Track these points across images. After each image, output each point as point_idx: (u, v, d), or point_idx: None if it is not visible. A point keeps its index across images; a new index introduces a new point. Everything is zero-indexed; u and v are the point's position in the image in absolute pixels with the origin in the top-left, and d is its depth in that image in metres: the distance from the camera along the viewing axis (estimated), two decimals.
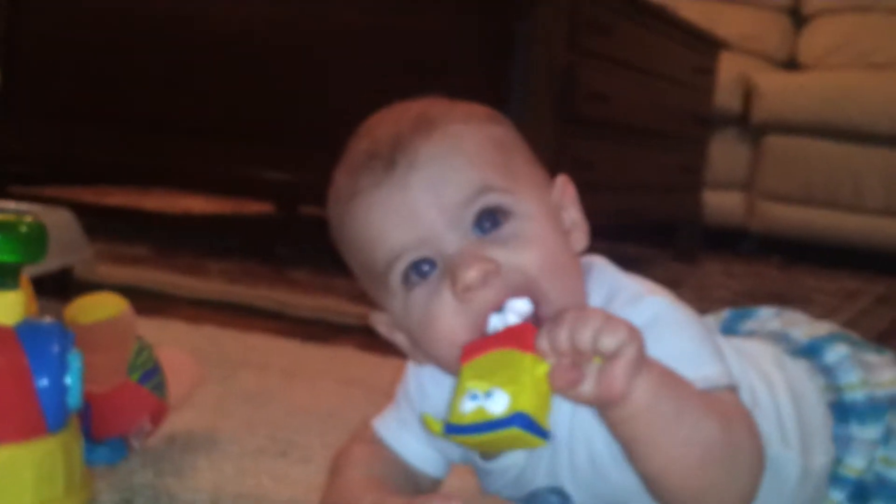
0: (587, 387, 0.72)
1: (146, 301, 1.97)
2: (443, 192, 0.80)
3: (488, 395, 0.73)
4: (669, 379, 0.75)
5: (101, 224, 2.89)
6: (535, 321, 0.78)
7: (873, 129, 3.84)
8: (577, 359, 0.72)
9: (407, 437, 0.93)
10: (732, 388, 0.82)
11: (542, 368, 0.73)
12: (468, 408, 0.74)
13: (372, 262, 0.83)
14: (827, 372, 0.99)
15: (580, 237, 0.88)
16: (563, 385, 0.72)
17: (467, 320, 0.79)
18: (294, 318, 1.97)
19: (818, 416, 0.95)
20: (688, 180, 3.54)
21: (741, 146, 4.15)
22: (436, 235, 0.80)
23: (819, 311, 2.64)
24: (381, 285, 0.84)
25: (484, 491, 0.96)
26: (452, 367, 0.81)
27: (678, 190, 3.50)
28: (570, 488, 0.86)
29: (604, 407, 0.74)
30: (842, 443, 0.96)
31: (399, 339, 0.88)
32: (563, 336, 0.71)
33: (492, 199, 0.80)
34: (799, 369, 0.98)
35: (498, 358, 0.74)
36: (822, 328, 1.04)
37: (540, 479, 0.87)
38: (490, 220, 0.81)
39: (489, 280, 0.78)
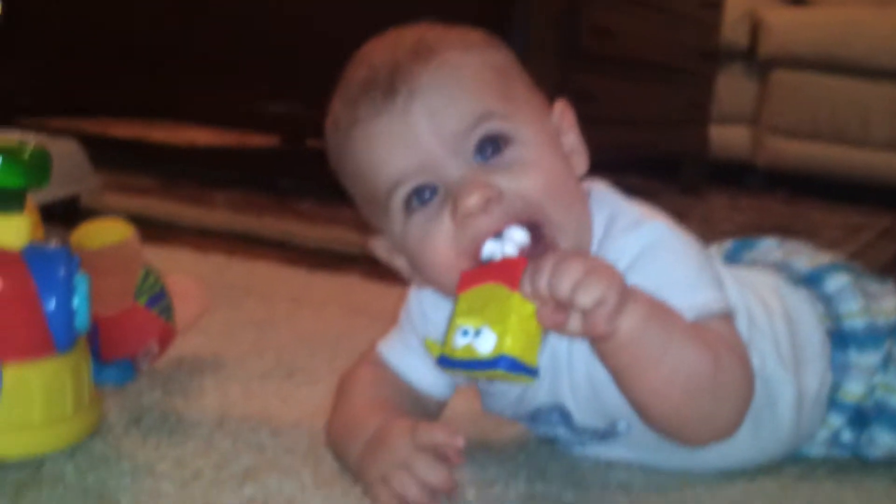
0: (573, 326, 0.73)
1: (153, 230, 1.98)
2: (444, 120, 0.80)
3: (478, 332, 0.75)
4: (657, 312, 0.76)
5: (106, 155, 2.89)
6: (535, 250, 0.79)
7: (880, 64, 3.81)
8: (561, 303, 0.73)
9: (411, 359, 0.94)
10: (728, 315, 0.83)
11: (531, 307, 0.74)
12: (460, 343, 0.75)
13: (373, 189, 0.84)
14: (827, 300, 0.99)
15: (580, 161, 0.88)
16: (549, 326, 0.74)
17: (465, 246, 0.80)
18: (300, 247, 1.98)
19: (815, 342, 0.96)
20: (694, 115, 3.52)
21: (748, 81, 4.12)
22: (437, 163, 0.80)
23: (823, 244, 2.63)
24: (382, 211, 0.84)
25: (487, 410, 0.97)
26: (449, 292, 0.82)
27: (684, 124, 3.48)
28: (570, 406, 0.88)
29: (592, 341, 0.76)
30: (840, 369, 0.97)
31: (399, 262, 0.89)
32: (542, 283, 0.72)
33: (492, 126, 0.81)
34: (798, 297, 0.99)
35: (490, 292, 0.75)
36: (824, 258, 1.05)
37: (542, 398, 0.88)
38: (491, 146, 0.81)
39: (490, 206, 0.79)
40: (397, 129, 0.81)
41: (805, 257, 1.05)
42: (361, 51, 0.87)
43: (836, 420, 0.98)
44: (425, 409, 0.94)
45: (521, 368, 0.74)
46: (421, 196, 0.82)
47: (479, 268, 0.79)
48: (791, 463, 0.98)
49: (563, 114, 0.89)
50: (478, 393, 0.97)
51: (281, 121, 2.76)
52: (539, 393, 0.88)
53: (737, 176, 4.14)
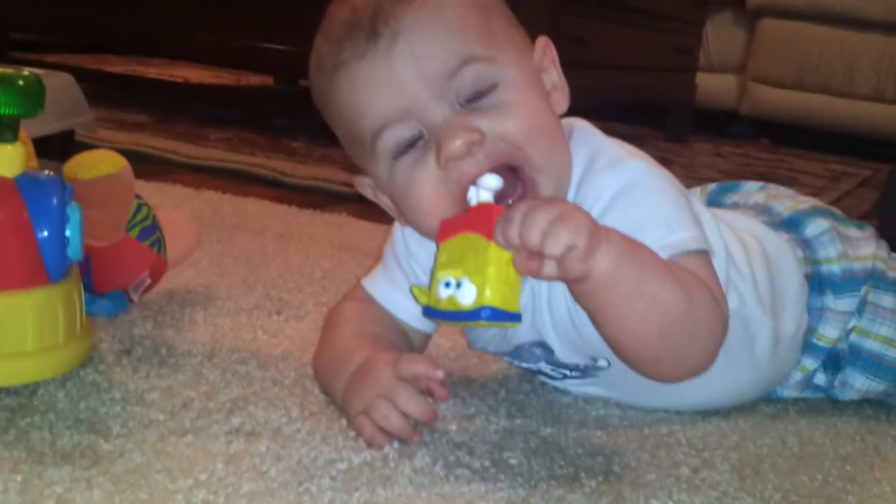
0: (548, 272, 0.75)
1: (146, 165, 2.00)
2: (427, 63, 0.81)
3: (459, 284, 0.76)
4: (631, 252, 0.77)
5: (102, 91, 2.90)
6: (513, 192, 0.81)
7: (867, 15, 3.81)
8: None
9: (396, 294, 0.96)
10: (704, 253, 0.84)
11: (507, 254, 0.75)
12: (443, 294, 0.77)
13: (358, 131, 0.85)
14: (806, 244, 1.01)
15: (561, 99, 0.89)
16: (525, 273, 0.75)
17: (448, 190, 0.82)
18: (290, 185, 1.99)
19: (793, 285, 0.98)
20: (682, 62, 3.51)
21: (737, 29, 4.12)
22: (421, 107, 0.81)
23: (804, 191, 2.65)
24: (367, 152, 0.86)
25: (472, 346, 0.99)
26: (433, 236, 0.83)
27: (672, 71, 3.48)
28: (552, 341, 0.90)
29: (568, 283, 0.78)
30: (816, 313, 0.99)
31: (384, 201, 0.91)
32: (513, 234, 0.74)
33: (475, 70, 0.81)
34: (778, 241, 1.01)
35: (468, 242, 0.77)
36: (805, 203, 1.06)
37: (524, 334, 0.90)
38: (474, 88, 0.82)
39: (473, 150, 0.80)
40: (381, 72, 0.81)
41: (786, 201, 1.06)
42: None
43: (811, 363, 1.00)
44: (410, 343, 0.96)
45: (503, 316, 0.76)
46: (406, 139, 0.83)
47: (456, 216, 0.80)
48: (765, 403, 1.01)
49: (544, 51, 0.89)
50: (461, 329, 0.99)
51: (275, 60, 2.75)
52: (521, 329, 0.90)
53: (722, 124, 4.16)
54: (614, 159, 0.86)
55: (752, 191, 1.10)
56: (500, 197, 0.80)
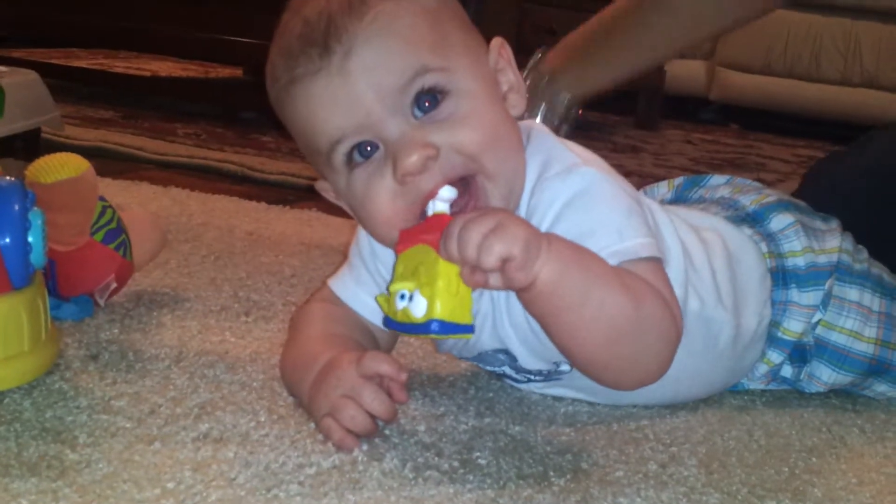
0: (493, 283, 0.75)
1: (113, 163, 1.99)
2: (381, 77, 0.80)
3: (411, 297, 0.77)
4: (575, 259, 0.78)
5: (68, 86, 2.87)
6: (463, 203, 0.81)
7: None
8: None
9: (362, 294, 0.96)
10: (656, 260, 0.84)
11: (456, 268, 0.76)
12: (399, 306, 0.78)
13: (315, 144, 0.85)
14: (770, 238, 1.02)
15: (517, 100, 0.89)
16: (473, 286, 0.76)
17: (406, 204, 0.82)
18: (259, 181, 1.98)
19: (754, 280, 0.99)
20: None
21: None
22: (376, 121, 0.81)
23: (772, 176, 2.69)
24: (325, 163, 0.85)
25: (437, 350, 0.99)
26: (389, 245, 0.84)
27: None
28: (514, 348, 0.90)
29: (515, 291, 0.79)
30: (780, 307, 1.00)
31: (345, 205, 0.90)
32: (453, 248, 0.74)
33: (428, 80, 0.81)
34: (741, 236, 1.01)
35: (421, 254, 0.78)
36: (771, 196, 1.06)
37: (486, 342, 0.91)
38: (429, 99, 0.81)
39: (428, 165, 0.80)
40: (336, 88, 0.81)
41: (752, 194, 1.06)
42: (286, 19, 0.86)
43: (776, 356, 1.01)
44: (377, 343, 0.96)
45: (453, 328, 0.77)
46: (362, 152, 0.83)
47: (414, 227, 0.81)
48: (732, 395, 1.02)
49: (500, 51, 0.89)
50: None
51: (244, 52, 2.74)
52: (483, 337, 0.90)
53: (692, 110, 4.18)
54: (567, 166, 0.85)
55: (719, 184, 1.11)
56: (455, 205, 0.81)
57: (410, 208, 0.82)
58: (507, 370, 0.94)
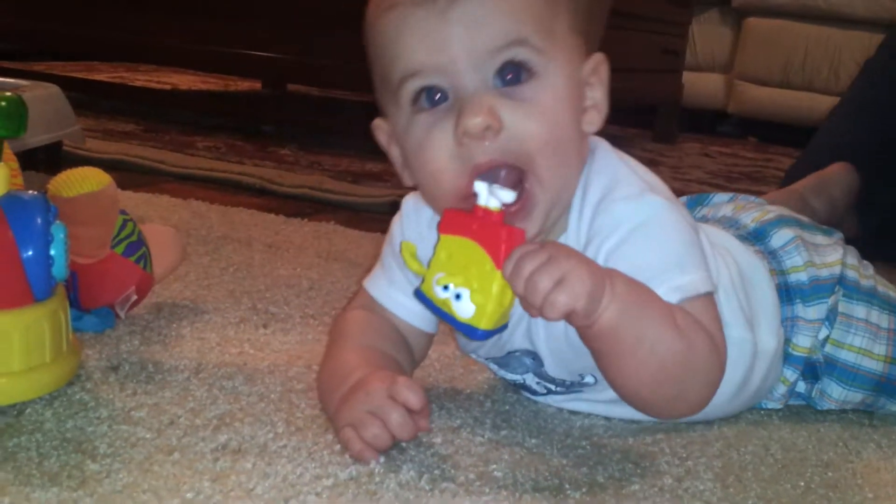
0: (552, 316, 0.77)
1: (134, 176, 2.01)
2: (477, 32, 0.80)
3: (458, 295, 0.79)
4: (635, 302, 0.79)
5: (89, 100, 2.90)
6: (512, 205, 0.81)
7: (851, 12, 3.83)
8: None
9: (396, 294, 0.96)
10: (710, 294, 0.85)
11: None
12: (439, 293, 0.79)
13: (389, 73, 0.84)
14: (773, 256, 1.02)
15: (595, 119, 0.87)
16: (533, 315, 0.78)
17: (458, 166, 0.82)
18: (278, 193, 1.99)
19: (768, 298, 0.99)
20: (668, 63, 3.53)
21: (723, 28, 4.14)
22: (457, 70, 0.80)
23: None
24: (392, 97, 0.85)
25: (462, 349, 0.99)
26: (431, 201, 0.86)
27: (659, 72, 3.49)
28: (543, 353, 0.90)
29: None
30: (788, 323, 1.00)
31: (394, 153, 0.90)
32: (519, 287, 0.76)
33: (521, 54, 0.81)
34: (749, 254, 1.01)
35: (473, 254, 0.79)
36: (772, 213, 1.07)
37: (517, 342, 0.91)
38: (513, 72, 0.81)
39: (488, 135, 0.80)
40: (431, 27, 0.80)
41: (753, 212, 1.07)
42: None
43: (791, 374, 1.01)
44: (411, 352, 0.96)
45: (491, 334, 0.80)
46: (430, 99, 0.82)
47: (461, 213, 0.81)
48: (748, 410, 1.02)
49: (597, 66, 0.87)
50: (451, 333, 0.99)
51: (263, 65, 2.76)
52: (515, 335, 0.91)
53: (710, 123, 4.17)
54: (635, 191, 0.85)
55: (721, 203, 1.11)
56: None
57: (461, 174, 0.82)
58: (529, 379, 0.94)
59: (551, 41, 0.82)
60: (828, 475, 0.88)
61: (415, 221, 0.94)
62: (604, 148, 0.89)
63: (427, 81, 0.82)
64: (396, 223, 0.97)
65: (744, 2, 4.03)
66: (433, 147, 0.82)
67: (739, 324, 0.94)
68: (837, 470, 0.90)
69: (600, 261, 0.83)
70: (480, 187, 0.80)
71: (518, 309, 0.86)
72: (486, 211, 0.80)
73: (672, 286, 0.82)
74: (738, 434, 0.96)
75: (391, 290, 0.96)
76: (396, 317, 0.96)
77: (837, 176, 1.56)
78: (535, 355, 0.91)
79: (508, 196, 0.80)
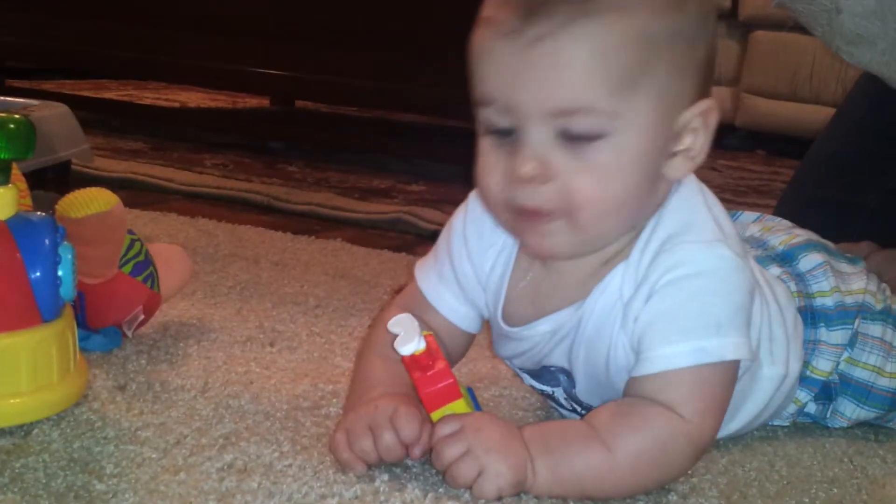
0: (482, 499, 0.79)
1: (142, 194, 2.02)
2: (549, 84, 0.77)
3: None
4: (560, 464, 0.79)
5: (98, 118, 2.91)
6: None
7: None
8: None
9: (444, 291, 0.96)
10: (734, 363, 0.83)
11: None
12: None
13: (476, 85, 0.82)
14: (799, 279, 1.02)
15: (683, 166, 0.83)
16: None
17: (504, 197, 0.82)
18: (286, 211, 2.00)
19: (797, 323, 0.99)
20: None
21: (730, 41, 4.14)
22: (522, 115, 0.79)
23: None
24: (475, 105, 0.84)
25: (496, 353, 0.99)
26: (490, 214, 0.88)
27: None
28: (578, 376, 0.90)
29: None
30: (809, 346, 1.00)
31: None
32: (441, 468, 0.80)
33: (585, 123, 0.77)
34: (773, 277, 1.01)
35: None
36: (800, 236, 1.07)
37: (555, 359, 0.91)
38: (578, 134, 0.78)
39: (535, 186, 0.79)
40: (509, 63, 0.78)
41: (781, 234, 1.06)
42: None
43: (804, 395, 1.01)
44: (449, 345, 0.96)
45: None
46: (498, 128, 0.81)
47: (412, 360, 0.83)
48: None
49: (704, 113, 0.82)
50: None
51: (271, 82, 2.78)
52: (553, 354, 0.90)
53: (718, 136, 4.16)
54: (708, 239, 0.83)
55: (748, 222, 1.11)
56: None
57: (504, 206, 0.82)
58: (559, 393, 0.94)
59: (631, 97, 0.77)
60: (833, 491, 0.88)
61: (479, 219, 0.93)
62: (689, 182, 0.87)
63: (495, 117, 0.80)
64: (460, 216, 0.95)
65: (750, 15, 4.03)
66: (488, 171, 0.82)
67: (780, 359, 0.94)
68: (842, 486, 0.90)
69: (643, 301, 0.82)
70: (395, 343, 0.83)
71: (564, 328, 0.87)
72: (413, 357, 0.82)
73: (697, 346, 0.80)
74: (744, 450, 0.96)
75: (440, 287, 0.96)
76: (440, 314, 0.96)
77: None
78: (569, 374, 0.91)
79: (411, 349, 0.82)
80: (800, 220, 1.12)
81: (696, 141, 0.82)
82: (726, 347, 0.81)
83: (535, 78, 0.77)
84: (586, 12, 0.76)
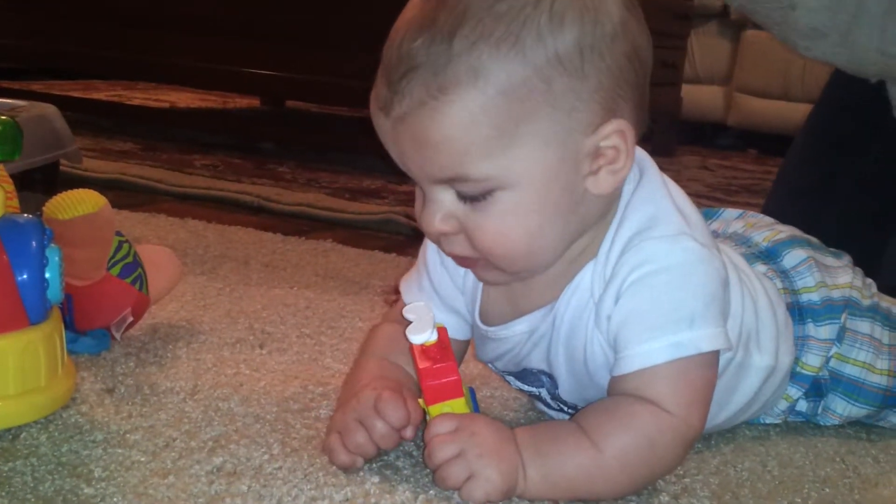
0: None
1: (131, 195, 2.01)
2: (421, 162, 0.78)
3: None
4: (552, 466, 0.79)
5: (87, 119, 2.90)
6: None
7: None
8: None
9: (423, 301, 0.95)
10: (713, 354, 0.83)
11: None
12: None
13: None
14: (784, 275, 1.02)
15: (607, 181, 0.80)
16: None
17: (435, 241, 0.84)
18: (276, 212, 2.00)
19: (785, 318, 0.99)
20: (667, 76, 3.53)
21: (722, 40, 4.15)
22: (419, 179, 0.80)
23: None
24: None
25: (478, 358, 0.99)
26: None
27: (657, 85, 3.49)
28: (560, 376, 0.90)
29: None
30: (798, 342, 1.00)
31: None
32: (432, 468, 0.79)
33: (468, 188, 0.77)
34: (759, 273, 1.01)
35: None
36: (784, 232, 1.06)
37: (534, 362, 0.91)
38: (468, 196, 0.78)
39: (442, 240, 0.82)
40: (388, 135, 0.79)
41: (764, 231, 1.06)
42: (408, 7, 0.78)
43: (795, 392, 1.01)
44: None
45: None
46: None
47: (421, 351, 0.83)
48: (745, 426, 1.02)
49: (618, 133, 0.79)
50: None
51: (261, 82, 2.77)
52: (532, 356, 0.90)
53: (710, 135, 4.18)
54: (673, 233, 0.82)
55: (731, 219, 1.11)
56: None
57: (438, 245, 0.84)
58: (544, 394, 0.94)
59: (510, 151, 0.76)
60: (825, 491, 0.88)
61: None
62: (651, 175, 0.86)
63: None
64: None
65: (742, 14, 4.04)
66: (419, 215, 0.83)
67: (769, 350, 0.94)
68: (835, 486, 0.89)
69: (613, 301, 0.82)
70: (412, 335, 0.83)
71: (539, 328, 0.87)
72: (422, 347, 0.83)
73: (672, 341, 0.80)
74: (736, 450, 0.95)
75: (420, 297, 0.95)
76: None
77: None
78: (550, 375, 0.91)
79: (422, 338, 0.82)
80: (783, 211, 1.13)
81: (618, 155, 0.79)
82: (702, 339, 0.80)
83: (409, 153, 0.78)
84: (441, 88, 0.74)
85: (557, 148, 0.77)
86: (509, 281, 0.86)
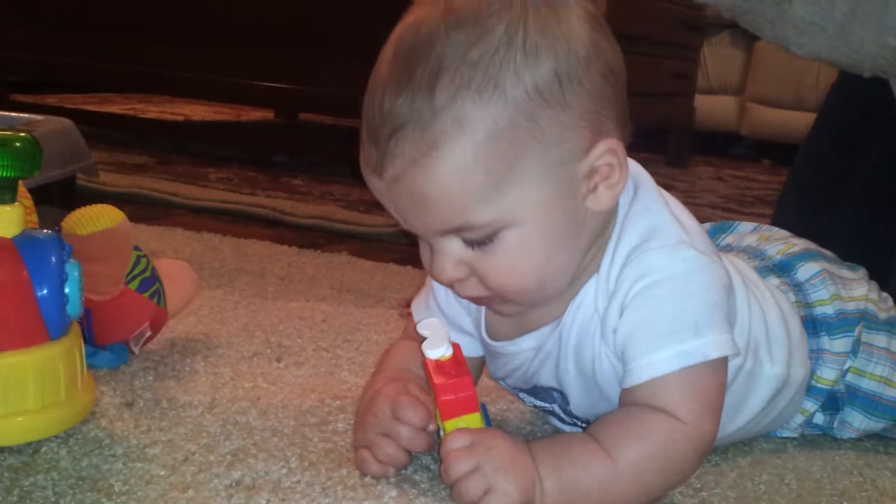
0: None
1: (147, 208, 2.02)
2: (423, 217, 0.78)
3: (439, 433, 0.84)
4: (567, 477, 0.79)
5: (102, 133, 2.92)
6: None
7: None
8: None
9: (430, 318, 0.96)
10: (721, 361, 0.82)
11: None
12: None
13: None
14: (798, 288, 1.02)
15: (606, 196, 0.81)
16: None
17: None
18: (291, 224, 2.00)
19: (797, 330, 0.99)
20: (680, 87, 3.54)
21: (735, 51, 4.15)
22: (422, 234, 0.81)
23: None
24: None
25: (491, 376, 0.99)
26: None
27: (670, 96, 3.50)
28: (571, 391, 0.90)
29: None
30: (813, 356, 1.00)
31: None
32: (448, 483, 0.79)
33: (473, 234, 0.78)
34: (773, 287, 1.01)
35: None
36: (798, 245, 1.07)
37: (543, 379, 0.91)
38: (472, 242, 0.79)
39: (455, 286, 0.83)
40: (385, 193, 0.79)
41: (778, 244, 1.06)
42: (378, 65, 0.79)
43: (811, 405, 1.01)
44: None
45: None
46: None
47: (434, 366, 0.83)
48: (763, 439, 1.02)
49: (605, 154, 0.79)
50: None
51: (275, 95, 2.78)
52: (542, 373, 0.90)
53: (723, 145, 4.17)
54: (673, 243, 0.82)
55: (745, 232, 1.11)
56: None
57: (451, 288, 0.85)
58: (557, 408, 0.94)
59: (508, 193, 0.76)
60: None
61: None
62: (646, 188, 0.86)
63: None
64: None
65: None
66: (426, 262, 0.84)
67: (780, 359, 0.95)
68: (852, 499, 0.89)
69: (617, 314, 0.82)
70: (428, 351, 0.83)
71: (546, 345, 0.87)
72: (437, 363, 0.83)
73: (678, 350, 0.80)
74: (753, 463, 0.95)
75: (429, 316, 0.95)
76: None
77: None
78: (560, 392, 0.91)
79: (437, 353, 0.82)
80: (793, 217, 1.13)
81: (612, 171, 0.80)
82: (708, 346, 0.81)
83: (409, 211, 0.78)
84: (430, 144, 0.74)
85: (553, 179, 0.78)
86: (527, 310, 0.86)
